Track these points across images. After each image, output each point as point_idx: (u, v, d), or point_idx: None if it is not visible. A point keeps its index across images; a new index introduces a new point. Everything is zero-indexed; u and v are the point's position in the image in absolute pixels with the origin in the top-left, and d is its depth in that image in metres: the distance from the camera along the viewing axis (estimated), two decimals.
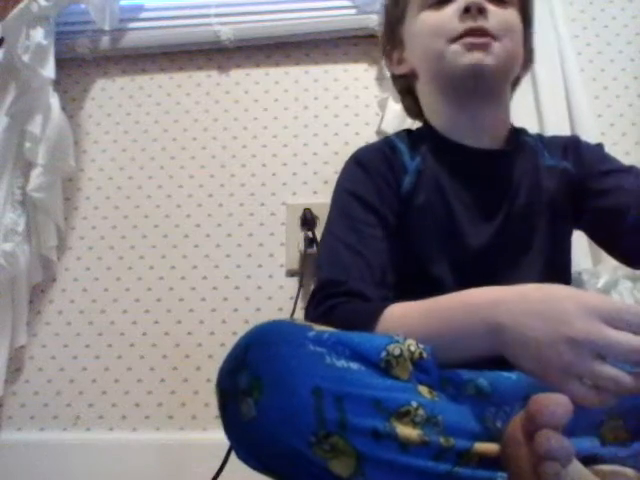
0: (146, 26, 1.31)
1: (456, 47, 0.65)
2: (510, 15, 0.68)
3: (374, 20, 1.24)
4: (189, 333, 1.17)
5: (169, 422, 1.13)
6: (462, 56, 0.65)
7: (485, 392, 0.53)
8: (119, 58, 1.33)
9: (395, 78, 0.80)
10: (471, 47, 0.65)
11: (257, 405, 0.42)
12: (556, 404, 0.37)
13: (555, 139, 0.77)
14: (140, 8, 1.33)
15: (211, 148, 1.28)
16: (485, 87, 0.68)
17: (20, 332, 1.17)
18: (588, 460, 0.44)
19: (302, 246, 1.16)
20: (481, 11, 0.65)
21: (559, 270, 0.71)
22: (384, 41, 0.79)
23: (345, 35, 1.28)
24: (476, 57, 0.64)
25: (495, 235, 0.67)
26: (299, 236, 1.18)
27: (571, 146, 0.74)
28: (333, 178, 1.22)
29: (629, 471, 0.45)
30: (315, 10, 1.27)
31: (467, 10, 0.64)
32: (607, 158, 0.74)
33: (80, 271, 1.23)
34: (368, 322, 0.53)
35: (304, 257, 1.16)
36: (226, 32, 1.27)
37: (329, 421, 0.40)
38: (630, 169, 0.71)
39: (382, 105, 1.22)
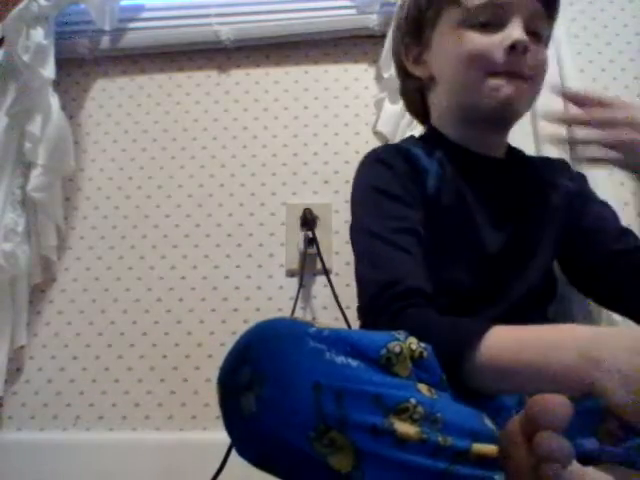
0: (146, 26, 1.30)
1: (492, 83, 0.65)
2: (543, 53, 0.69)
3: (374, 20, 1.24)
4: (189, 333, 1.18)
5: (169, 422, 1.14)
6: (493, 95, 0.65)
7: None
8: (119, 58, 1.33)
9: (406, 75, 0.77)
10: (505, 89, 0.65)
11: (257, 400, 0.42)
12: (556, 405, 0.37)
13: (549, 160, 0.81)
14: (140, 8, 1.32)
15: (211, 148, 1.28)
16: (504, 123, 0.71)
17: (20, 332, 1.17)
18: (586, 460, 0.44)
19: (302, 246, 1.16)
20: (525, 51, 0.64)
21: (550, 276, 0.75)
22: (404, 32, 0.75)
23: (345, 35, 1.28)
24: (507, 99, 0.65)
25: (508, 240, 0.69)
26: (299, 236, 1.18)
27: (566, 169, 0.78)
28: (333, 178, 1.23)
29: (627, 471, 0.45)
30: (315, 10, 1.27)
31: (513, 47, 0.64)
32: (590, 190, 0.79)
33: (80, 271, 1.23)
34: (468, 341, 0.49)
35: (304, 257, 1.16)
36: (226, 32, 1.27)
37: (328, 416, 0.41)
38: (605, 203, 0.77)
39: (378, 105, 1.22)
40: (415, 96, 0.79)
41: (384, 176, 0.68)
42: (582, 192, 0.77)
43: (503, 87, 0.65)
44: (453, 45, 0.68)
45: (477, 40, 0.66)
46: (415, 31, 0.74)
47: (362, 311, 0.63)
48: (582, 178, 0.79)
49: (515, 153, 0.77)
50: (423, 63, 0.73)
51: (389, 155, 0.71)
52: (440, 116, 0.75)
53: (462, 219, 0.68)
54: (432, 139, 0.74)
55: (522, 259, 0.69)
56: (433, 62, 0.72)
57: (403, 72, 0.78)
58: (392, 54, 0.80)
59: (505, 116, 0.69)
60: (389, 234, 0.63)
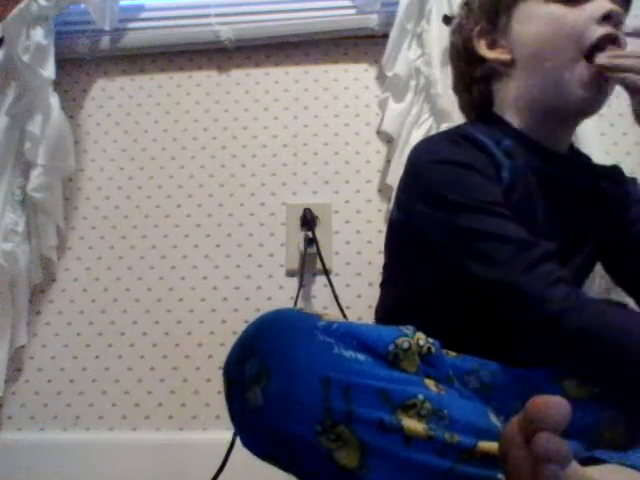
0: (146, 26, 1.30)
1: (582, 71, 0.63)
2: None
3: (374, 20, 1.24)
4: (189, 333, 1.17)
5: (169, 422, 1.13)
6: (585, 87, 0.63)
7: (487, 386, 0.53)
8: (119, 58, 1.33)
9: (476, 61, 0.72)
10: (597, 86, 0.64)
11: (264, 393, 0.42)
12: (555, 407, 0.37)
13: (602, 166, 0.77)
14: (140, 8, 1.33)
15: (211, 148, 1.28)
16: (584, 114, 0.69)
17: (20, 332, 1.17)
18: (586, 461, 0.44)
19: (302, 246, 1.16)
20: (618, 22, 0.62)
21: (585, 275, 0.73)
22: (478, 17, 0.72)
23: (345, 35, 1.28)
24: (595, 96, 0.64)
25: (564, 245, 0.66)
26: (299, 236, 1.18)
27: (619, 176, 0.75)
28: (333, 178, 1.23)
29: (628, 471, 0.45)
30: (315, 10, 1.27)
31: (607, 17, 0.62)
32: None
33: (80, 271, 1.23)
34: None
35: (304, 257, 1.16)
36: (226, 32, 1.27)
37: (336, 411, 0.41)
38: None
39: (382, 105, 1.21)
40: (480, 84, 0.74)
41: (462, 152, 0.63)
42: (629, 196, 0.74)
43: (589, 84, 0.63)
44: (542, 21, 0.65)
45: (569, 13, 0.63)
46: (492, 16, 0.70)
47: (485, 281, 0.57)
48: (633, 182, 0.76)
49: (576, 152, 0.74)
50: (501, 48, 0.70)
51: (457, 136, 0.66)
52: (508, 103, 0.70)
53: (528, 216, 0.64)
54: (496, 126, 0.69)
55: (568, 255, 0.67)
56: (514, 45, 0.68)
57: (472, 58, 0.73)
58: (455, 40, 0.76)
59: (586, 113, 0.67)
60: (489, 206, 0.59)
